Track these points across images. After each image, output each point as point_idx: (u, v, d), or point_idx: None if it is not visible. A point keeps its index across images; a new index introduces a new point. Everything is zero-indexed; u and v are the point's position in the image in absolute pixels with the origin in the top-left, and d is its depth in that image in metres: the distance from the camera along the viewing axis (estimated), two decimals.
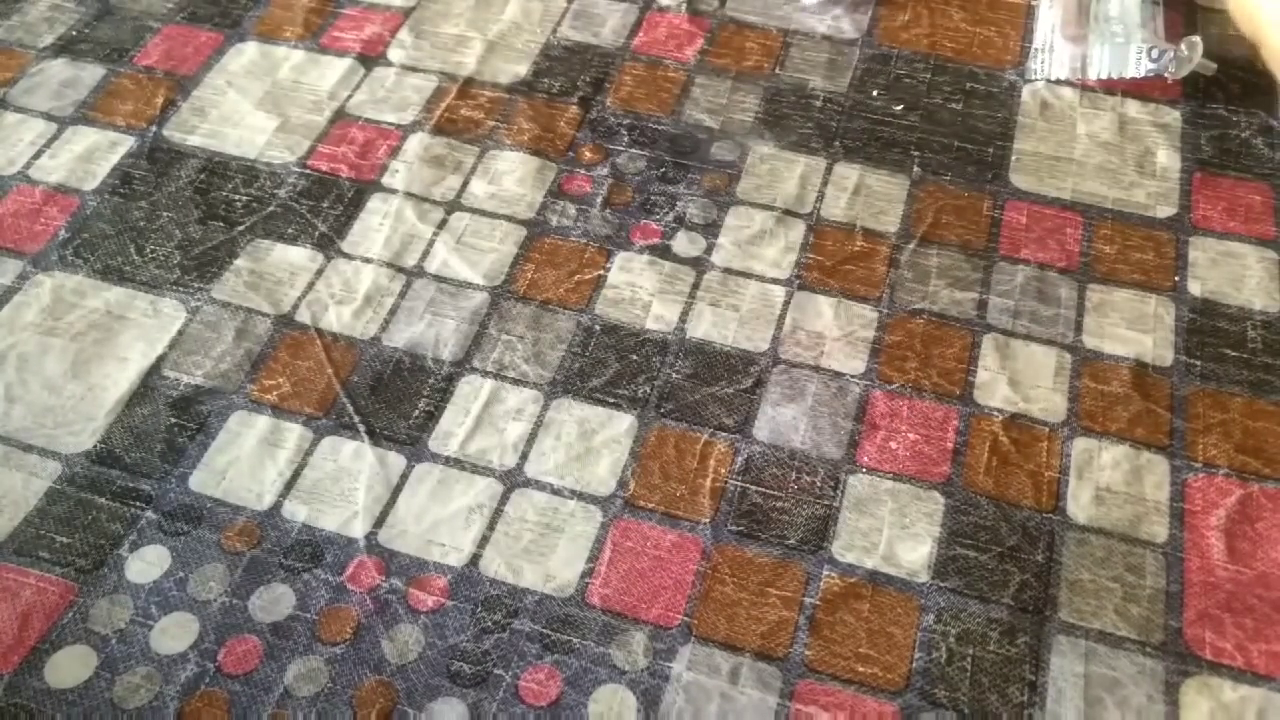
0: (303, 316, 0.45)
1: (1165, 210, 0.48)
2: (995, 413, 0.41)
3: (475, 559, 0.38)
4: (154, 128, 0.52)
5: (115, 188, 0.50)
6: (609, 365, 0.43)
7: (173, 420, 0.42)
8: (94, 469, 0.40)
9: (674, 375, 0.43)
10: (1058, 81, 0.53)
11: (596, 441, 0.41)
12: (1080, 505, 0.39)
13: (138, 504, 0.40)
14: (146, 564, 0.38)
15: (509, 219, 0.48)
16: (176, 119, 0.53)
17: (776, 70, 0.54)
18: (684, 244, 0.47)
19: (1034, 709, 0.35)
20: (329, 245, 0.47)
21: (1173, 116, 0.51)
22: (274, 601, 0.37)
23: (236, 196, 0.49)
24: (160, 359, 0.44)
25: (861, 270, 0.46)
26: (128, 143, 0.52)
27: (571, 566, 0.38)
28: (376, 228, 0.48)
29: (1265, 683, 0.35)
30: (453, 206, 0.49)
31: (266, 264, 0.47)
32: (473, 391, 0.42)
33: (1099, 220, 0.48)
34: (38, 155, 0.51)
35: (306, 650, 0.36)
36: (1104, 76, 0.52)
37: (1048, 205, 0.48)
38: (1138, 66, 0.51)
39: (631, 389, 0.42)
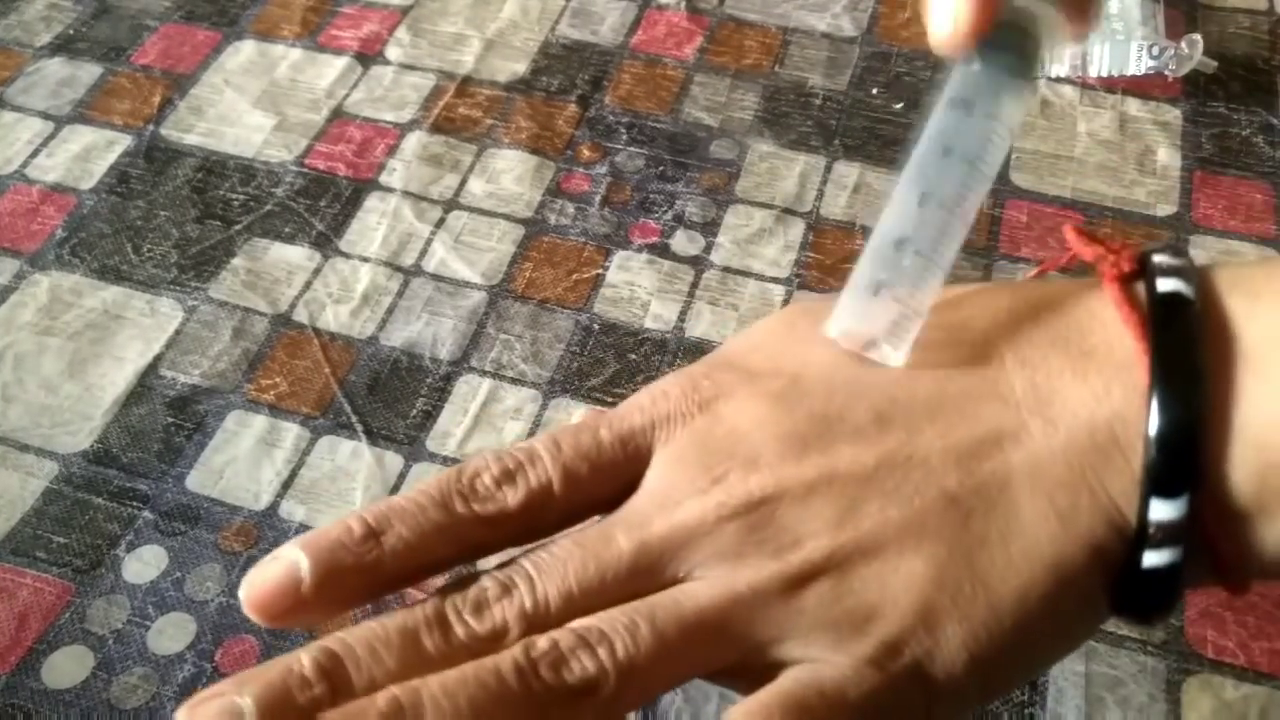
0: (300, 316, 0.45)
1: (1165, 209, 0.48)
2: None
3: None
4: (151, 127, 0.52)
5: (112, 187, 0.49)
6: (608, 364, 0.43)
7: (170, 420, 0.42)
8: (91, 469, 0.40)
9: None
10: (1058, 79, 0.53)
11: None
12: None
13: (134, 504, 0.39)
14: (143, 564, 0.38)
15: (507, 217, 0.48)
16: (174, 118, 0.52)
17: (776, 68, 0.54)
18: (683, 242, 0.47)
19: (1034, 708, 0.35)
20: (326, 244, 0.47)
21: (1173, 115, 0.51)
22: None
23: (234, 195, 0.49)
24: (157, 358, 0.43)
25: None
26: (125, 142, 0.51)
27: None
28: (374, 226, 0.48)
29: (1268, 681, 0.35)
30: (450, 205, 0.49)
31: (264, 263, 0.46)
32: (471, 391, 0.42)
33: (1099, 218, 0.47)
34: (35, 154, 0.51)
35: None
36: (1104, 74, 0.52)
37: (1048, 204, 0.48)
38: (1138, 64, 0.51)
39: (631, 388, 0.42)
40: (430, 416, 0.41)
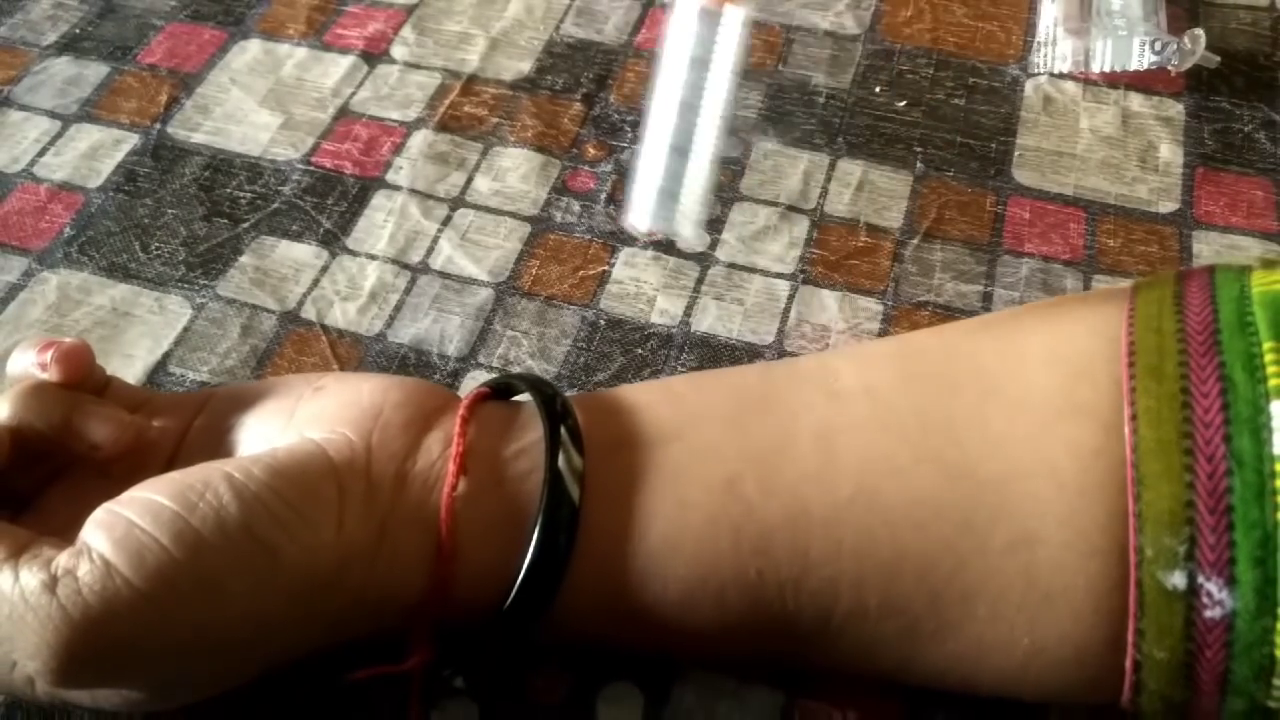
0: (308, 313, 0.45)
1: (1167, 206, 0.48)
2: None
3: None
4: (158, 125, 0.52)
5: (120, 185, 0.50)
6: (614, 359, 0.43)
7: None
8: None
9: (679, 368, 0.43)
10: (1060, 75, 0.53)
11: None
12: None
13: None
14: None
15: (513, 215, 0.48)
16: (180, 116, 0.53)
17: (779, 66, 0.54)
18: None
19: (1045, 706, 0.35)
20: (333, 242, 0.47)
21: (1176, 110, 0.52)
22: None
23: (241, 194, 0.49)
24: (166, 355, 0.44)
25: (866, 265, 0.46)
26: (132, 140, 0.52)
27: None
28: (381, 224, 0.48)
29: None
30: (457, 203, 0.49)
31: (271, 261, 0.47)
32: None
33: (1101, 215, 0.48)
34: (42, 153, 0.51)
35: None
36: (1107, 69, 0.52)
37: (1050, 201, 0.48)
38: (1140, 59, 0.52)
39: (637, 382, 0.42)
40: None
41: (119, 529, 0.27)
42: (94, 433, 0.31)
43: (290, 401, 0.33)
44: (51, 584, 0.26)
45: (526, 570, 0.29)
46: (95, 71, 0.55)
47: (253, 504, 0.28)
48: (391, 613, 0.30)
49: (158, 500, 0.27)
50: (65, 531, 0.29)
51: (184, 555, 0.26)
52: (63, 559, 0.26)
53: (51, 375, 0.32)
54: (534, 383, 0.34)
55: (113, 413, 0.32)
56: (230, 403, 0.34)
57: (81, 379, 0.33)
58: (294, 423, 0.32)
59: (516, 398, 0.35)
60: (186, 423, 0.34)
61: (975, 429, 0.29)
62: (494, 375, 0.42)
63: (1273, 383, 0.26)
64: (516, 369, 0.43)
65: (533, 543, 0.29)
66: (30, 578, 0.26)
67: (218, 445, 0.33)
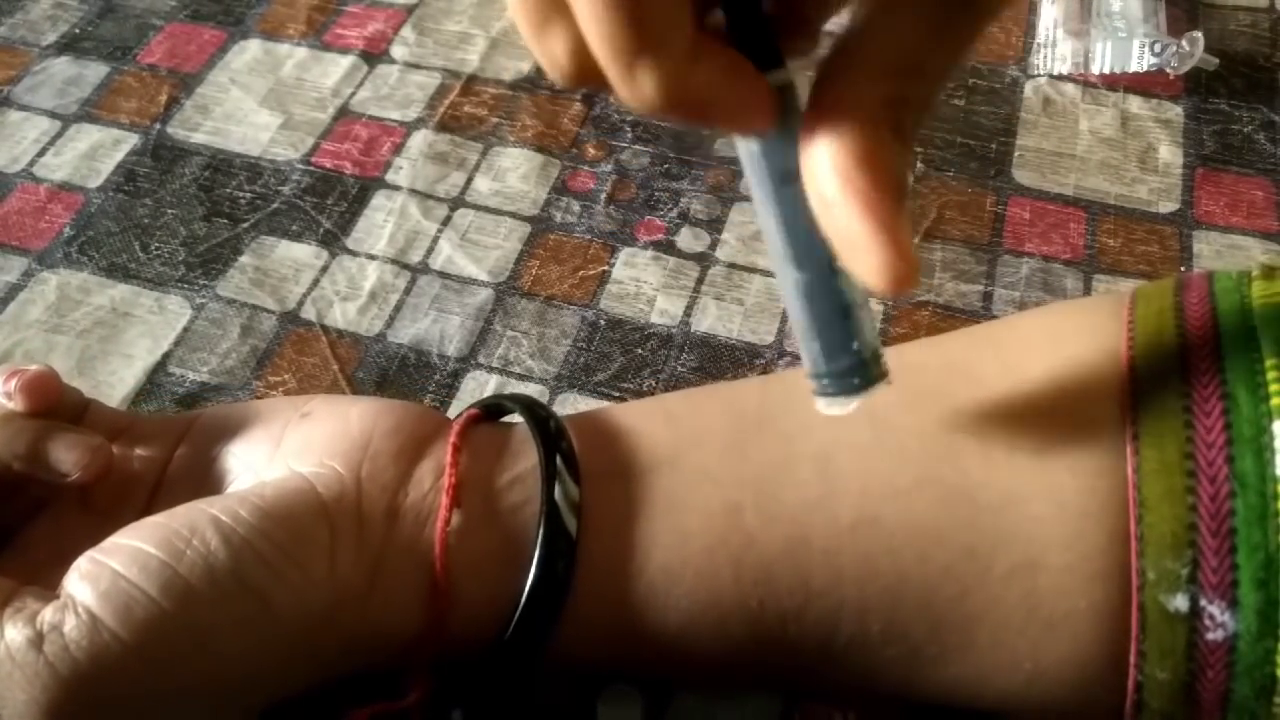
0: (308, 313, 0.45)
1: (1168, 206, 0.48)
2: None
3: None
4: (158, 125, 0.52)
5: (120, 185, 0.50)
6: (614, 359, 0.43)
7: None
8: None
9: (679, 368, 0.43)
10: (1060, 77, 0.53)
11: None
12: None
13: None
14: None
15: (513, 215, 0.48)
16: (180, 116, 0.53)
17: None
18: (688, 239, 0.47)
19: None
20: (333, 242, 0.47)
21: (1175, 112, 0.52)
22: None
23: (241, 194, 0.49)
24: (166, 356, 0.44)
25: None
26: (131, 140, 0.52)
27: None
28: (381, 224, 0.48)
29: None
30: (457, 203, 0.49)
31: (271, 261, 0.47)
32: (478, 387, 0.42)
33: (1102, 215, 0.48)
34: (42, 153, 0.51)
35: None
36: (1106, 71, 0.52)
37: (1050, 201, 0.48)
38: (1140, 61, 0.52)
39: (637, 382, 0.42)
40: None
41: (104, 580, 0.26)
42: (61, 461, 0.30)
43: (276, 428, 0.32)
44: (38, 641, 0.25)
45: (524, 607, 0.29)
46: (95, 71, 0.55)
47: (242, 549, 0.27)
48: (387, 650, 0.30)
49: (143, 549, 0.26)
50: (48, 568, 0.28)
51: (173, 606, 0.26)
52: (48, 614, 0.26)
53: (16, 405, 0.31)
54: (526, 404, 0.33)
55: (79, 439, 0.31)
56: (215, 428, 0.33)
57: (48, 406, 0.32)
58: (281, 452, 0.31)
59: (508, 418, 0.35)
60: (170, 450, 0.33)
61: (976, 450, 0.29)
62: (494, 375, 0.43)
63: (1275, 401, 0.26)
64: (516, 369, 0.43)
65: (530, 578, 0.29)
66: (16, 634, 0.25)
67: (203, 475, 0.32)
